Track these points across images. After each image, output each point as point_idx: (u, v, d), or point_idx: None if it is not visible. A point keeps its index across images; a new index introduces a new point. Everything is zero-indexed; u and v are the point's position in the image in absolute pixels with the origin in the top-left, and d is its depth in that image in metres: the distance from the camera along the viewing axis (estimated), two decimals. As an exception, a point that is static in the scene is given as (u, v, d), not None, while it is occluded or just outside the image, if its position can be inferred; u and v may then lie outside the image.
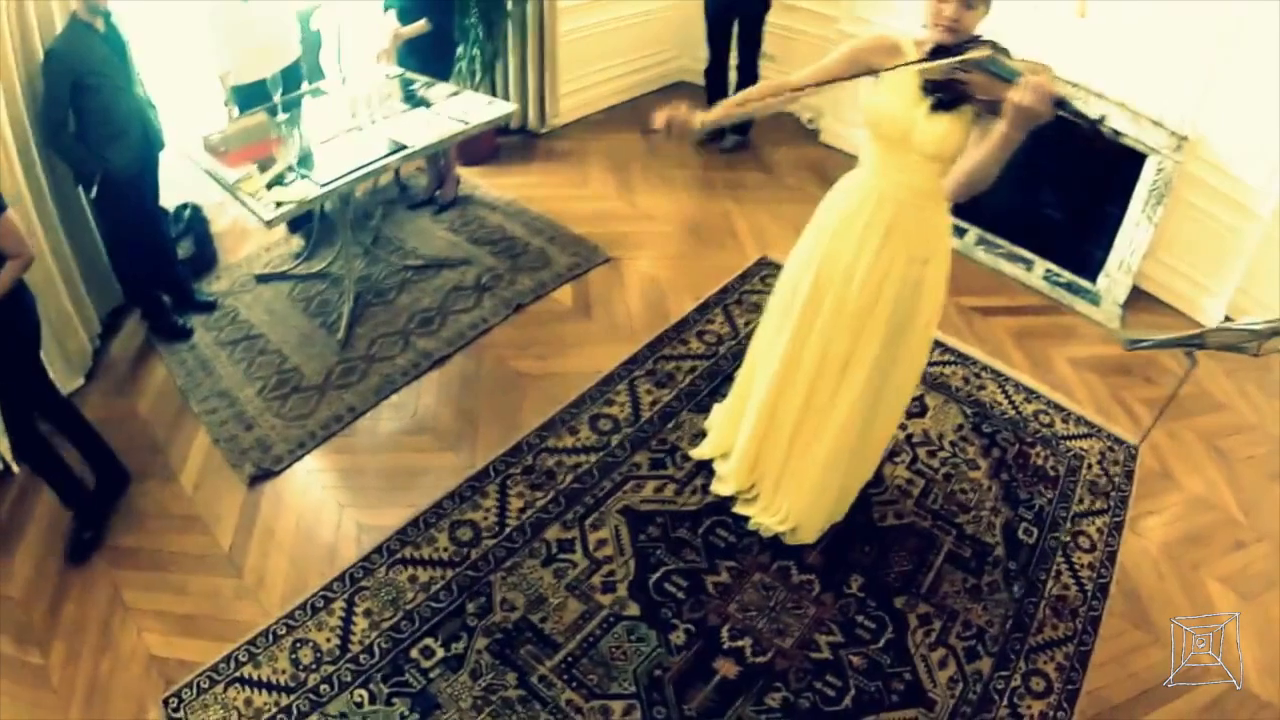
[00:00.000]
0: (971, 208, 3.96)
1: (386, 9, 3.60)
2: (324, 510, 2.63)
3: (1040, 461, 2.75)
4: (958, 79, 1.78)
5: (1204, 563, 2.52)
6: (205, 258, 3.67)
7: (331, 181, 2.80)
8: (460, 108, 3.21)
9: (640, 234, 3.68)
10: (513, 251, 3.59)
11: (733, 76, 4.21)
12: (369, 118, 3.16)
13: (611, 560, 2.39)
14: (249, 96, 3.41)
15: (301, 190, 2.80)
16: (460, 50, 3.89)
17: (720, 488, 2.54)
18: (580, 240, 3.61)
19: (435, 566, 2.41)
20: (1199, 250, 3.45)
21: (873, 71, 1.89)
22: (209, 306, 3.46)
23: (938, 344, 3.09)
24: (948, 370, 3.10)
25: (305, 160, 2.95)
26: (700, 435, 2.73)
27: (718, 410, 2.70)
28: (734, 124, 4.29)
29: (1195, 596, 2.43)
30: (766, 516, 2.42)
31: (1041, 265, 3.75)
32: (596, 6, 4.24)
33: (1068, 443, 2.84)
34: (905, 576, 2.35)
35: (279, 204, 2.73)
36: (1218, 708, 2.15)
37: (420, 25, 3.45)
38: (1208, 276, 3.47)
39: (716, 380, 2.97)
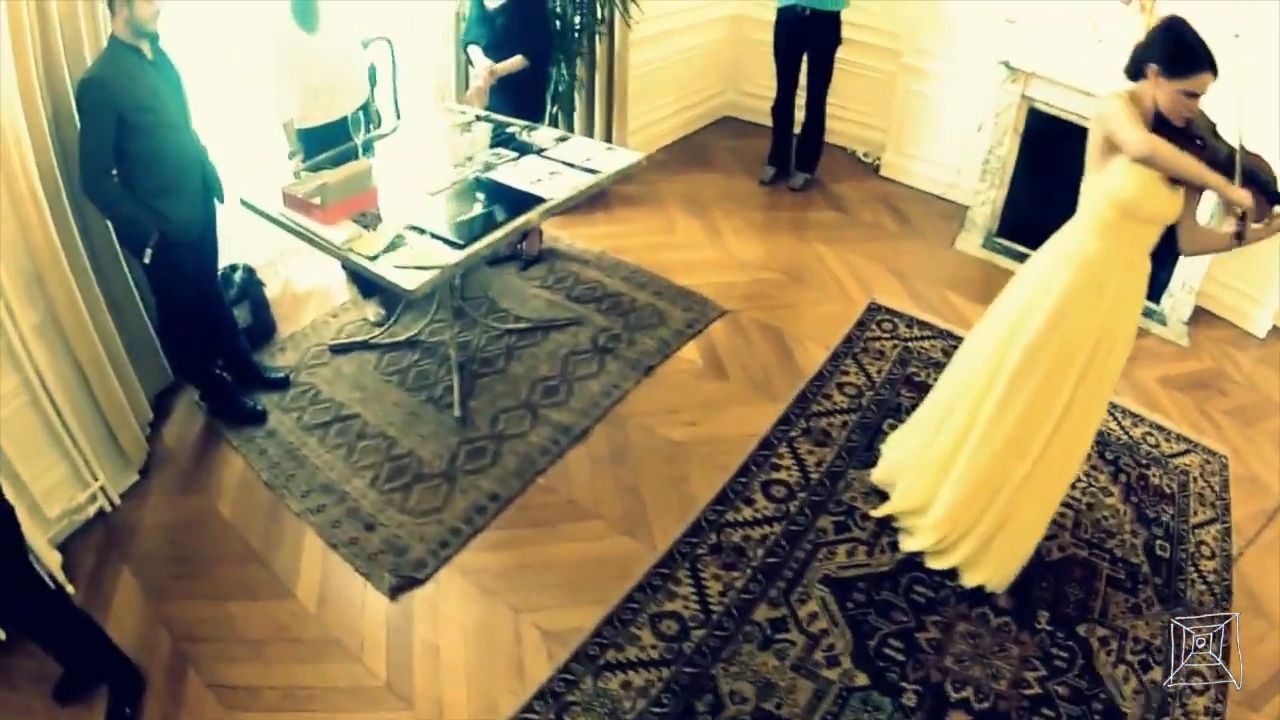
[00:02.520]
0: (1034, 233, 4.12)
1: (467, 43, 3.39)
2: (495, 618, 2.37)
3: (1158, 481, 2.92)
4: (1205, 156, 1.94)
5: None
6: (263, 327, 3.31)
7: (472, 241, 2.55)
8: (580, 155, 3.03)
9: (745, 283, 3.60)
10: (621, 309, 3.42)
11: (799, 115, 4.23)
12: (475, 167, 2.94)
13: (828, 633, 2.33)
14: (314, 143, 3.11)
15: (439, 253, 2.54)
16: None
17: (910, 544, 2.54)
18: (689, 293, 3.49)
19: (648, 668, 2.22)
20: (1249, 267, 3.67)
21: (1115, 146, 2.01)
22: (281, 384, 3.11)
23: None
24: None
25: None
26: (872, 492, 2.73)
27: (889, 468, 2.69)
28: (800, 160, 4.35)
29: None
30: (973, 574, 2.44)
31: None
32: (656, 41, 4.17)
33: (1173, 460, 3.02)
34: (1080, 604, 2.47)
35: (419, 268, 2.46)
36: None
37: (516, 62, 3.24)
38: (1257, 289, 3.72)
39: (870, 434, 2.96)
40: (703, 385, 3.07)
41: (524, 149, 3.09)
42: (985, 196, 3.99)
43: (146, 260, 2.56)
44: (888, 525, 2.63)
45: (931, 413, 2.53)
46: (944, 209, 4.19)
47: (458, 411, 2.90)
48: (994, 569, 2.43)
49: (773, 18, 4.22)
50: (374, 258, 2.53)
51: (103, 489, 2.75)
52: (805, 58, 4.01)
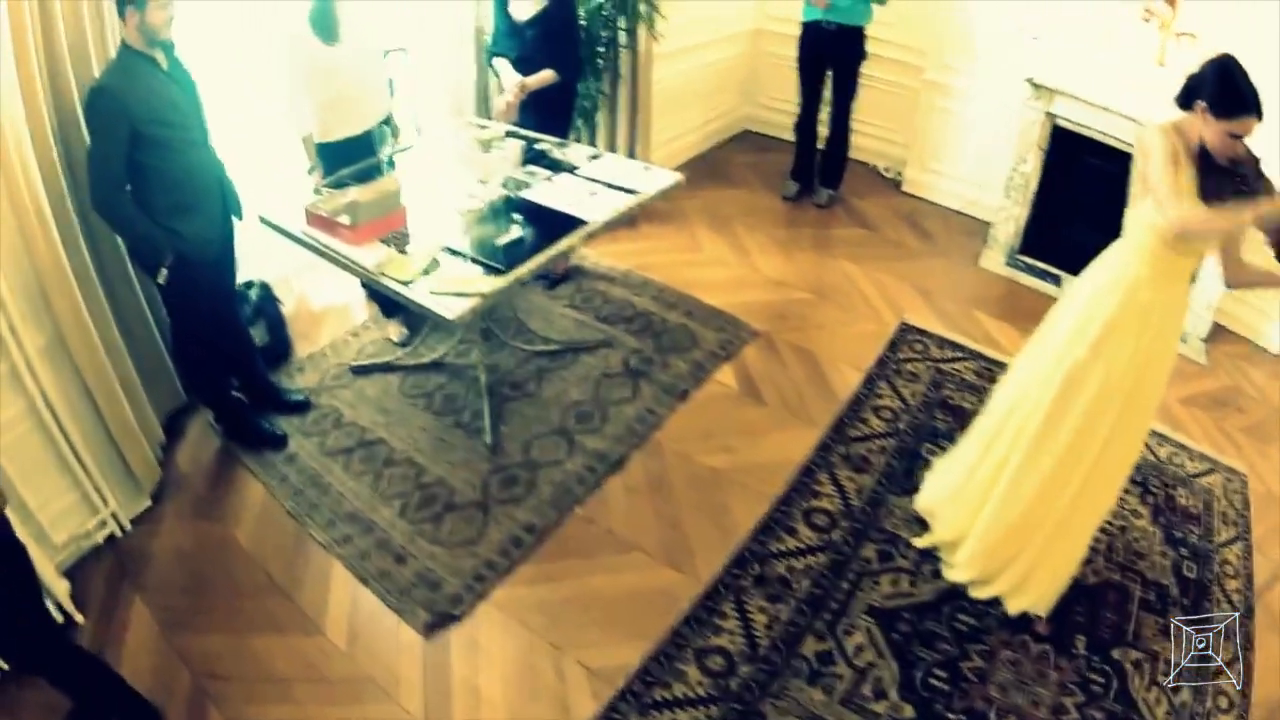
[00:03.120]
0: (1056, 251, 4.15)
1: (493, 55, 3.30)
2: (536, 656, 2.29)
3: (1184, 501, 2.92)
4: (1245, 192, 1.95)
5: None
6: (279, 346, 3.22)
7: (514, 266, 2.47)
8: (615, 174, 2.95)
9: (776, 303, 3.55)
10: (652, 330, 3.35)
11: (822, 130, 4.20)
12: (508, 185, 2.86)
13: (875, 665, 2.29)
14: (333, 157, 3.01)
15: (479, 279, 2.44)
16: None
17: (954, 575, 2.51)
18: (719, 314, 3.43)
19: (696, 705, 2.16)
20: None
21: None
22: (300, 407, 3.02)
23: None
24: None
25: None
26: (914, 519, 2.70)
27: (932, 497, 2.65)
28: (824, 176, 4.33)
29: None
30: (1016, 602, 2.42)
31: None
32: (677, 55, 4.12)
33: (1197, 480, 3.02)
34: (1114, 628, 2.46)
35: (459, 295, 2.37)
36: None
37: (546, 76, 3.16)
38: (1271, 304, 3.70)
39: (909, 459, 2.93)
40: (739, 410, 3.02)
41: (557, 167, 3.01)
42: (1008, 213, 3.98)
43: (161, 280, 2.47)
44: (930, 553, 2.60)
45: (974, 442, 2.50)
46: (966, 225, 4.18)
47: (489, 438, 2.82)
48: (1036, 596, 2.42)
49: (793, 32, 4.21)
50: (409, 283, 2.44)
51: (113, 515, 2.66)
52: (829, 73, 4.00)
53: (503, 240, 2.59)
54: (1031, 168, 3.89)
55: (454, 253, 2.57)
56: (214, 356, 2.82)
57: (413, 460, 2.79)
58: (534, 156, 3.05)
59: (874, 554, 2.60)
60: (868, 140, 4.48)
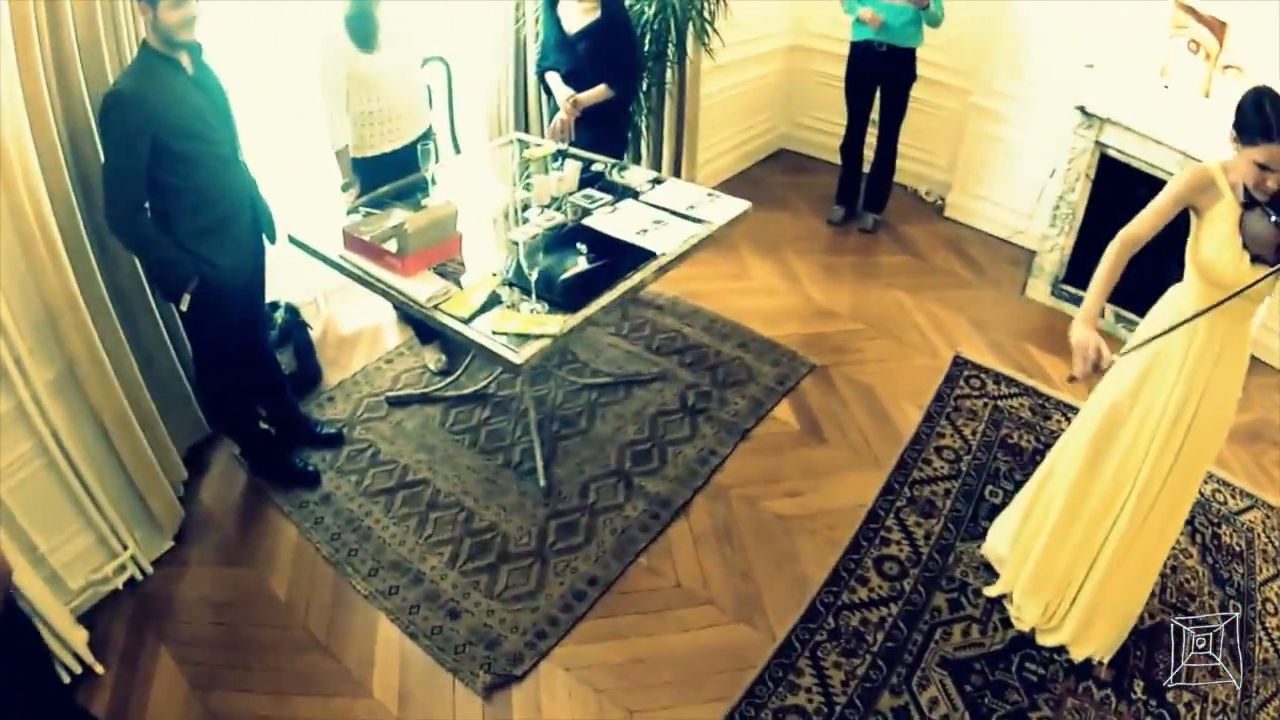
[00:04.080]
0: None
1: (544, 69, 3.14)
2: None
3: (1229, 540, 2.87)
4: None
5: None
6: (308, 374, 3.05)
7: (582, 303, 2.29)
8: (680, 200, 2.79)
9: (831, 335, 3.44)
10: (707, 362, 3.21)
11: (867, 153, 4.11)
12: (563, 209, 2.70)
13: (948, 718, 2.21)
14: (368, 173, 2.85)
15: (547, 319, 2.24)
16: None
17: (1022, 624, 2.45)
18: (774, 346, 3.31)
19: (778, 772, 2.04)
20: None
21: (1196, 211, 1.98)
22: (333, 440, 2.84)
23: None
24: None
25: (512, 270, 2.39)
26: (982, 566, 2.62)
27: (997, 544, 2.58)
28: (869, 200, 4.24)
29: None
30: (1081, 648, 2.38)
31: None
32: (720, 72, 4.00)
33: (1239, 517, 2.97)
34: (1167, 669, 2.41)
35: (524, 336, 2.19)
36: None
37: (600, 92, 3.02)
38: None
39: (973, 502, 2.84)
40: (802, 450, 2.89)
41: (615, 191, 2.84)
42: (1054, 243, 3.91)
43: (183, 308, 2.27)
44: (998, 601, 2.53)
45: (1030, 487, 2.46)
46: (1010, 254, 4.11)
47: (543, 480, 2.66)
48: (1098, 643, 2.38)
49: (832, 49, 4.11)
50: (468, 320, 2.26)
51: (133, 558, 2.47)
52: (877, 94, 3.91)
53: (568, 273, 2.41)
54: (1078, 197, 3.83)
55: (511, 284, 2.39)
56: (240, 387, 2.63)
57: (461, 503, 2.63)
58: (589, 179, 2.89)
59: (945, 603, 2.51)
60: (909, 163, 4.40)
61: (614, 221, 2.63)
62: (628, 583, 2.46)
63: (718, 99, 4.06)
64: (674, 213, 2.69)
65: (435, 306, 2.31)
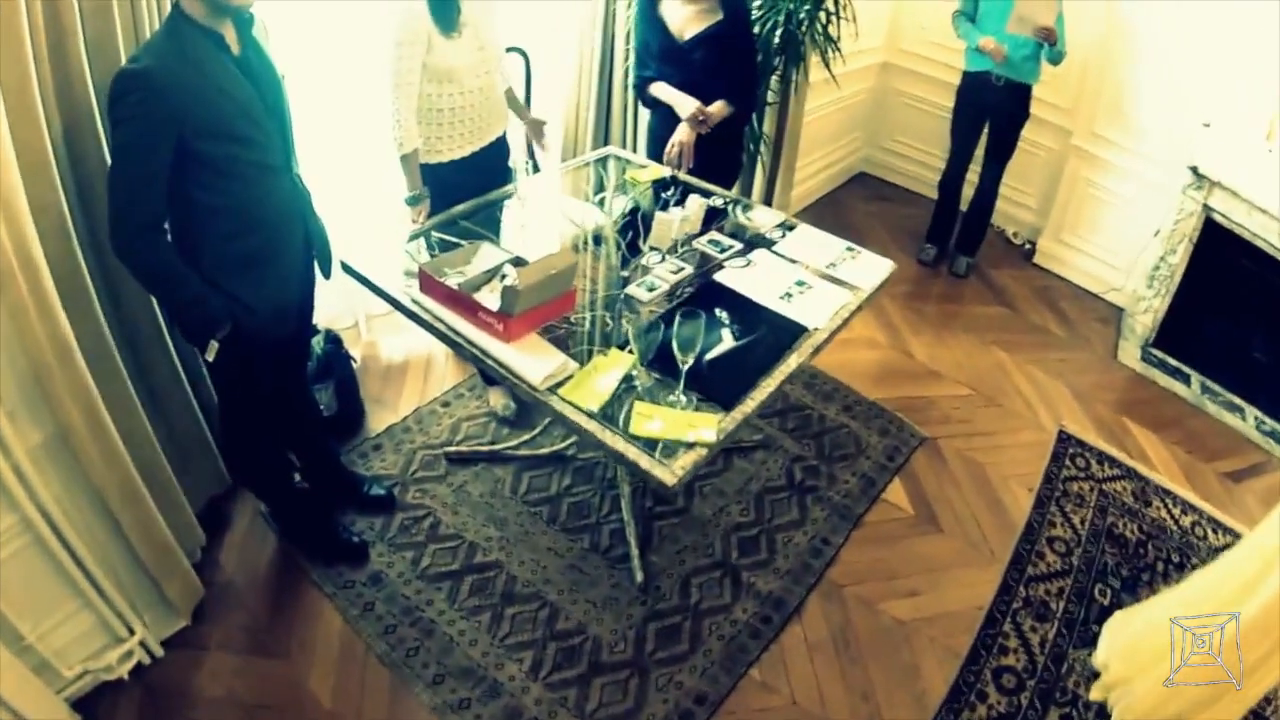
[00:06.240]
0: (1189, 348, 3.87)
1: (645, 80, 2.66)
2: None
3: None
4: None
5: None
6: (350, 416, 2.60)
7: (741, 397, 1.81)
8: (817, 254, 2.34)
9: (938, 400, 3.12)
10: (811, 429, 2.84)
11: (967, 190, 3.77)
12: (688, 258, 2.24)
13: None
14: (436, 182, 2.39)
15: (698, 420, 1.74)
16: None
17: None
18: (882, 411, 2.96)
19: None
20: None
21: None
22: (383, 504, 2.41)
23: (1218, 525, 2.88)
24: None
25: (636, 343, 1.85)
26: (1093, 675, 2.35)
27: (1109, 653, 2.31)
28: (963, 241, 3.91)
29: None
30: None
31: (1251, 412, 3.67)
32: (813, 89, 3.57)
33: None
34: None
35: (672, 442, 1.68)
36: None
37: (721, 107, 2.57)
38: None
39: (1084, 602, 2.55)
40: (917, 540, 2.56)
41: (743, 236, 2.40)
42: (1148, 304, 3.66)
43: (209, 357, 1.79)
44: (1103, 707, 2.28)
45: (1176, 604, 2.18)
46: (1100, 309, 3.84)
47: (639, 574, 2.27)
48: None
49: (924, 70, 3.75)
50: (600, 414, 1.74)
51: (141, 643, 2.05)
52: (986, 130, 3.57)
53: (713, 353, 1.96)
54: (1179, 260, 3.58)
55: (649, 366, 1.85)
56: (273, 441, 2.20)
57: (542, 596, 2.24)
58: (707, 215, 2.42)
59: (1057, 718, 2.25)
60: (998, 201, 4.08)
61: (750, 280, 2.20)
62: (738, 699, 2.10)
63: (809, 117, 3.67)
64: (812, 269, 2.27)
65: (550, 389, 1.81)
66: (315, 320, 2.56)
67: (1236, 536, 2.94)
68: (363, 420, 2.65)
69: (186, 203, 1.66)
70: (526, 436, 2.62)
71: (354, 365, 2.64)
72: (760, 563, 2.39)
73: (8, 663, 1.77)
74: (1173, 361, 3.56)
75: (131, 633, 2.04)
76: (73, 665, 1.97)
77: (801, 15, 3.01)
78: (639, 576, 2.27)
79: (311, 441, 2.35)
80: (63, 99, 1.70)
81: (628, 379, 1.84)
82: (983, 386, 3.22)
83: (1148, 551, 2.70)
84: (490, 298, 1.96)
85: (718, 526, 2.47)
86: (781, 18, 2.97)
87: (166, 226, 1.68)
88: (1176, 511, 2.87)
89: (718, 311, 2.05)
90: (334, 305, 2.77)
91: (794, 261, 2.30)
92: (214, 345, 1.76)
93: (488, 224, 2.38)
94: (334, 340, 2.58)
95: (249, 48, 1.71)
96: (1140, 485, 3.07)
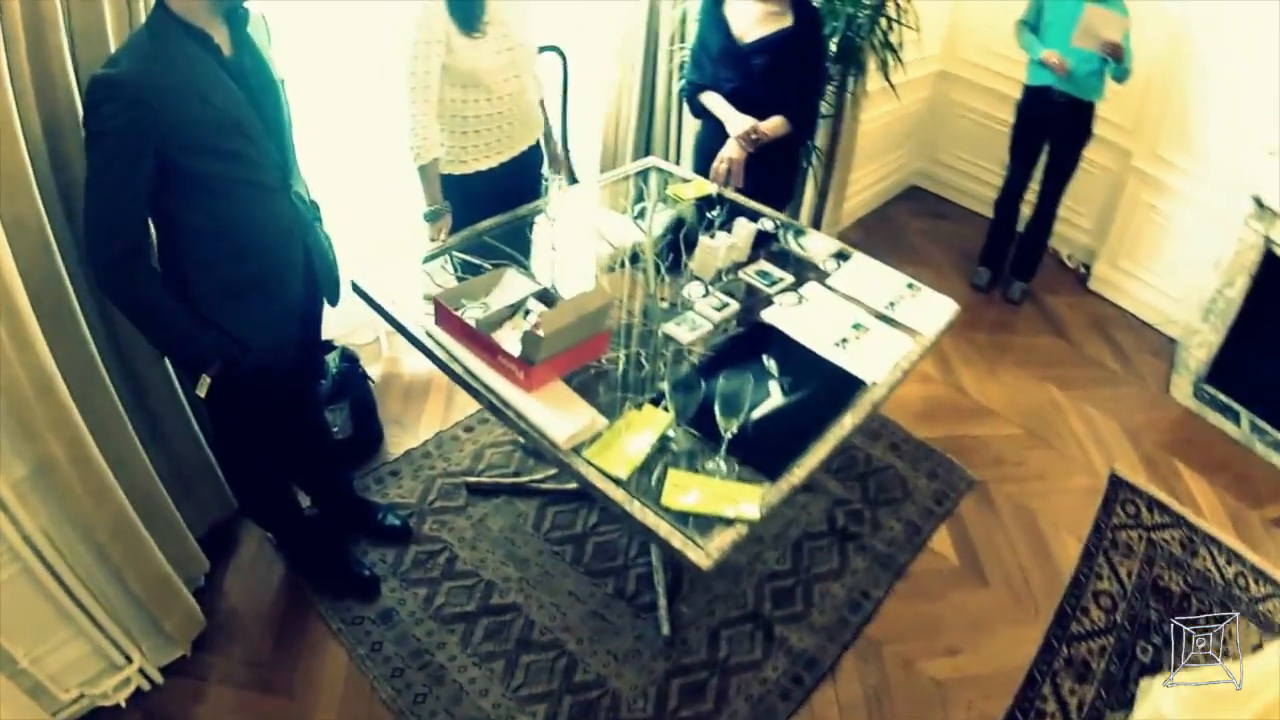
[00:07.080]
0: (1242, 386, 3.65)
1: (696, 85, 2.47)
2: None
3: None
4: None
5: None
6: (367, 439, 2.47)
7: (788, 466, 1.60)
8: (875, 290, 2.14)
9: (990, 440, 2.93)
10: (856, 469, 2.67)
11: (1024, 210, 3.55)
12: (736, 291, 2.07)
13: None
14: (456, 193, 2.24)
15: (739, 494, 1.53)
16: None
17: None
18: (931, 452, 2.79)
19: None
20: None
21: None
22: (398, 534, 2.28)
23: (1260, 575, 2.71)
24: (1272, 605, 2.66)
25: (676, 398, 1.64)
26: None
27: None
28: (1018, 266, 3.69)
29: None
30: None
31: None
32: (868, 100, 3.39)
33: None
34: None
35: (711, 518, 1.48)
36: None
37: (779, 124, 2.38)
38: None
39: (1125, 662, 2.39)
40: (960, 593, 2.40)
41: (792, 265, 2.20)
42: (1203, 338, 3.44)
43: (201, 393, 1.65)
44: None
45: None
46: (1154, 341, 3.62)
47: (665, 626, 2.12)
48: None
49: (982, 81, 3.51)
50: (624, 482, 1.54)
51: (140, 670, 1.96)
52: (1046, 148, 3.35)
53: (759, 411, 1.75)
54: (1237, 293, 3.35)
55: (689, 426, 1.65)
56: (276, 473, 2.08)
57: (560, 644, 2.10)
58: (757, 239, 2.23)
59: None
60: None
61: (802, 321, 2.00)
62: (769, 773, 1.97)
63: (864, 129, 3.48)
64: (868, 309, 2.07)
65: (573, 450, 1.60)
66: (331, 336, 2.46)
67: (1277, 587, 2.76)
68: (380, 443, 2.52)
69: (172, 224, 1.52)
70: (552, 470, 2.47)
71: (371, 385, 2.51)
72: (795, 615, 2.23)
73: (2, 685, 1.71)
74: (1224, 398, 3.36)
75: (129, 660, 1.96)
76: (69, 689, 1.89)
77: (861, 19, 2.81)
78: (665, 629, 2.12)
79: (320, 473, 2.22)
80: (42, 98, 1.53)
81: (662, 438, 1.64)
82: (1035, 425, 3.03)
83: (1191, 605, 2.55)
84: (511, 336, 1.77)
85: (752, 575, 2.31)
86: (841, 23, 2.77)
87: (152, 251, 1.54)
88: (1222, 561, 2.71)
89: (765, 359, 1.87)
90: (352, 319, 2.61)
91: (850, 299, 2.10)
92: (205, 381, 1.63)
93: (516, 241, 2.19)
94: (350, 358, 2.45)
95: (243, 49, 1.55)
96: (1188, 534, 2.88)
